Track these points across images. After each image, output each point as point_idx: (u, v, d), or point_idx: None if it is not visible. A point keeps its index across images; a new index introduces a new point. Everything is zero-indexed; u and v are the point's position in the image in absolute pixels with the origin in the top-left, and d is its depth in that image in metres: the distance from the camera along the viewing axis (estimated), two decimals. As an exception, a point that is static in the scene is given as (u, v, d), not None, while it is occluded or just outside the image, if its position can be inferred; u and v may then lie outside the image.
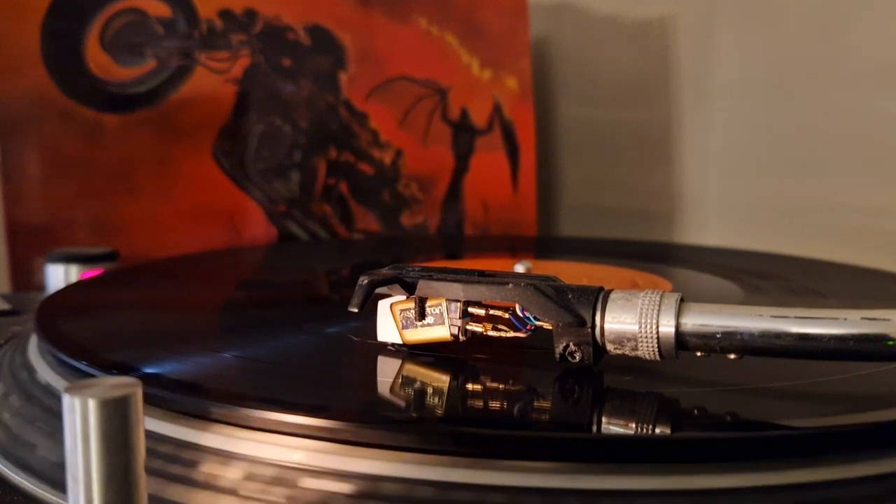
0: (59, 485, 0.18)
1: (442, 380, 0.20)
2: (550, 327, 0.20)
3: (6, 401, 0.22)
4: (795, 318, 0.17)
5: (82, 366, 0.21)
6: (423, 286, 0.21)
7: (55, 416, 0.20)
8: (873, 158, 0.48)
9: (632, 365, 0.20)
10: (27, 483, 0.18)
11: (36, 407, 0.21)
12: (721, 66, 0.55)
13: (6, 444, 0.20)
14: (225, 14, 0.48)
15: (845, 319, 0.17)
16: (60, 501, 0.17)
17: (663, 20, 0.57)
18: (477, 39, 0.55)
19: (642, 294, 0.19)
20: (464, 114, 0.54)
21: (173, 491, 0.17)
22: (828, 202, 0.49)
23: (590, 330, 0.19)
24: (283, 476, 0.16)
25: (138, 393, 0.14)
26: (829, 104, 0.49)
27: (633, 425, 0.17)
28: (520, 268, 0.34)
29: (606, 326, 0.19)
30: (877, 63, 0.47)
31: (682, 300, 0.19)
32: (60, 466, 0.18)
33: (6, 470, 0.19)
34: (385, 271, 0.21)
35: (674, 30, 0.57)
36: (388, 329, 0.22)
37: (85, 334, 0.25)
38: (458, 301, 0.21)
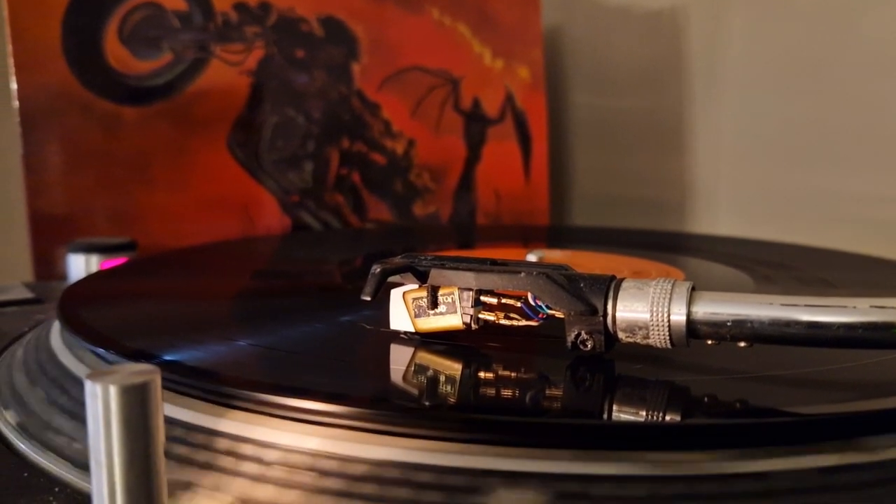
0: (83, 468, 0.18)
1: (454, 368, 0.20)
2: (562, 316, 0.20)
3: (31, 386, 0.22)
4: (805, 306, 0.17)
5: (103, 353, 0.22)
6: (435, 275, 0.21)
7: (78, 401, 0.21)
8: (885, 148, 0.47)
9: (643, 353, 0.20)
10: (52, 465, 0.19)
11: (59, 392, 0.21)
12: (732, 55, 0.54)
13: (32, 428, 0.20)
14: (240, 7, 0.48)
15: (854, 307, 0.17)
16: (84, 484, 0.18)
17: (674, 9, 0.57)
18: (489, 29, 0.54)
19: (654, 283, 0.19)
20: (476, 103, 0.54)
21: (192, 474, 0.17)
22: (838, 192, 0.49)
23: (601, 318, 0.19)
24: (298, 461, 0.17)
25: (157, 379, 0.14)
26: (840, 93, 0.49)
27: (645, 412, 0.17)
28: (532, 257, 0.34)
29: (618, 315, 0.19)
30: (889, 52, 0.47)
31: (693, 289, 0.19)
32: (84, 450, 0.18)
33: (32, 453, 0.19)
34: (398, 260, 0.21)
35: (685, 19, 0.56)
36: (400, 317, 0.22)
37: (106, 322, 0.25)
38: (470, 290, 0.21)
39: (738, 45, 0.54)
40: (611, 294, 0.19)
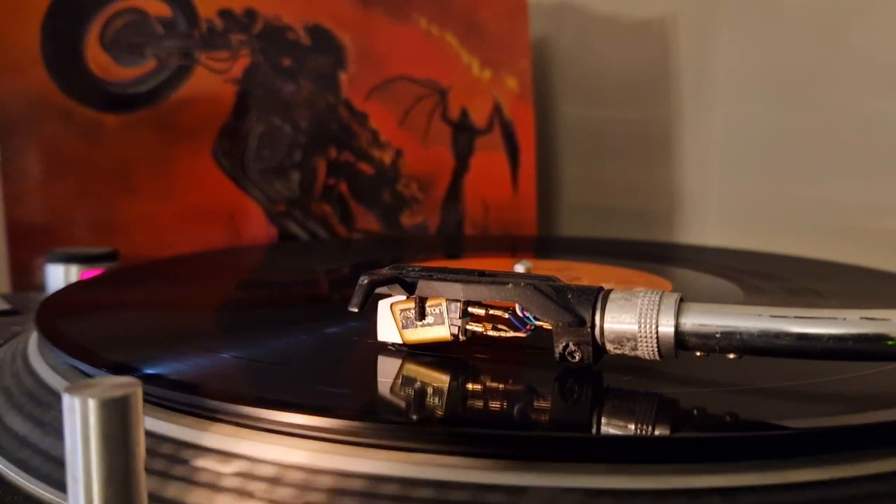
0: (59, 484, 0.18)
1: (442, 380, 0.20)
2: (550, 327, 0.20)
3: (6, 400, 0.22)
4: (795, 317, 0.17)
5: (82, 366, 0.21)
6: (423, 286, 0.21)
7: (55, 415, 0.20)
8: (873, 158, 0.48)
9: (631, 365, 0.20)
10: (27, 483, 0.18)
11: (36, 407, 0.21)
12: (721, 65, 0.55)
13: (6, 444, 0.20)
14: (225, 14, 0.48)
15: (844, 319, 0.17)
16: (60, 501, 0.17)
17: (663, 20, 0.57)
18: (477, 39, 0.54)
19: (642, 294, 0.19)
20: (464, 114, 0.54)
21: (173, 490, 0.17)
22: (828, 202, 0.49)
23: (589, 330, 0.19)
24: (283, 476, 0.16)
25: (138, 393, 0.14)
26: (828, 103, 0.49)
27: (633, 425, 0.17)
28: (520, 268, 0.34)
29: (606, 326, 0.19)
30: (877, 63, 0.47)
31: (681, 300, 0.19)
32: (60, 466, 0.18)
33: (6, 469, 0.19)
34: (385, 271, 0.21)
35: (674, 29, 0.57)
36: (388, 329, 0.22)
37: (85, 334, 0.25)
38: (458, 301, 0.21)
39: (727, 54, 0.54)
40: (598, 305, 0.19)
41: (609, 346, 0.19)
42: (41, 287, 0.39)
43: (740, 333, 0.18)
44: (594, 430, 0.17)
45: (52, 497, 0.18)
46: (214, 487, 0.17)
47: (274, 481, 0.16)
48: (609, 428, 0.17)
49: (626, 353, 0.19)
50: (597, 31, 0.60)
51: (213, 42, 0.47)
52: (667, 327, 0.18)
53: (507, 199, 0.56)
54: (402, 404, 0.19)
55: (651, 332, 0.18)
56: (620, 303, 0.19)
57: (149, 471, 0.15)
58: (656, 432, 0.17)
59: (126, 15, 0.45)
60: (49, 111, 0.43)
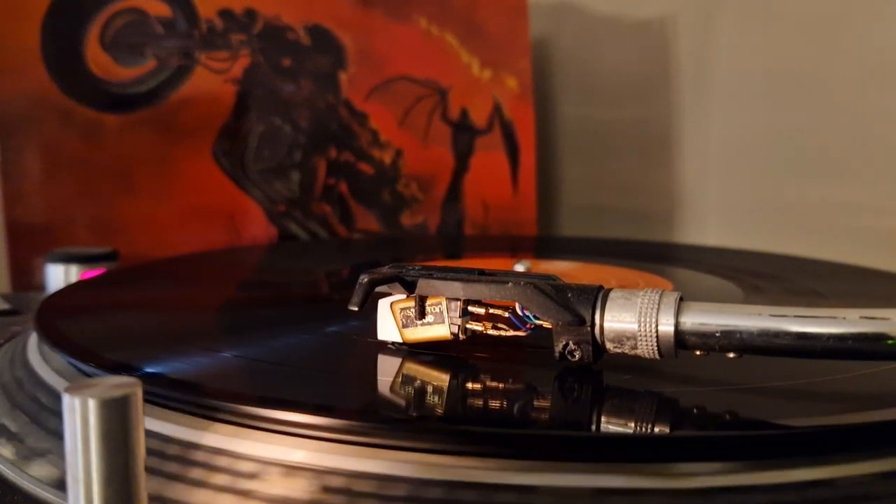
0: (58, 484, 0.18)
1: (442, 378, 0.20)
2: (550, 326, 0.20)
3: (6, 400, 0.22)
4: (794, 317, 0.17)
5: (82, 366, 0.21)
6: (423, 285, 0.21)
7: (55, 415, 0.20)
8: (873, 158, 0.48)
9: (631, 364, 0.20)
10: (27, 483, 0.18)
11: (36, 406, 0.21)
12: (721, 65, 0.55)
13: (6, 444, 0.20)
14: (225, 14, 0.48)
15: (844, 318, 0.17)
16: (60, 501, 0.17)
17: (663, 20, 0.57)
18: (477, 39, 0.54)
19: (641, 293, 0.19)
20: (464, 114, 0.54)
21: (174, 490, 0.17)
22: (827, 202, 0.49)
23: (589, 329, 0.19)
24: (284, 475, 0.16)
25: (138, 393, 0.14)
26: (828, 103, 0.49)
27: (633, 424, 0.17)
28: (519, 267, 0.34)
29: (606, 325, 0.19)
30: (876, 62, 0.47)
31: (681, 299, 0.19)
32: (60, 466, 0.18)
33: (6, 470, 0.19)
34: (385, 270, 0.21)
35: (674, 29, 0.57)
36: (388, 328, 0.22)
37: (85, 334, 0.25)
38: (458, 300, 0.21)
39: (727, 55, 0.54)
40: (598, 304, 0.19)
41: (609, 345, 0.19)
42: (41, 287, 0.39)
43: (740, 332, 0.18)
44: (594, 429, 0.17)
45: (52, 497, 0.18)
46: (214, 487, 0.17)
47: (273, 480, 0.16)
48: (609, 426, 0.17)
49: (626, 352, 0.19)
50: (597, 31, 0.60)
51: (213, 42, 0.47)
52: (667, 326, 0.18)
53: (507, 199, 0.56)
54: (402, 403, 0.19)
55: (651, 331, 0.18)
56: (620, 302, 0.19)
57: (149, 471, 0.15)
58: (656, 430, 0.17)
59: (126, 15, 0.45)
60: (49, 111, 0.43)
